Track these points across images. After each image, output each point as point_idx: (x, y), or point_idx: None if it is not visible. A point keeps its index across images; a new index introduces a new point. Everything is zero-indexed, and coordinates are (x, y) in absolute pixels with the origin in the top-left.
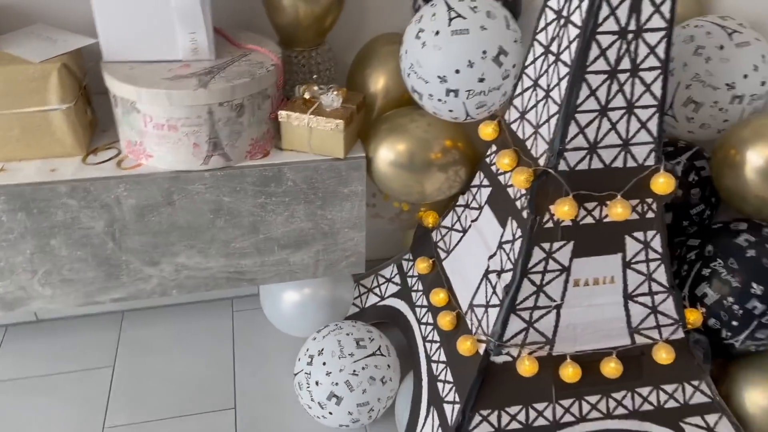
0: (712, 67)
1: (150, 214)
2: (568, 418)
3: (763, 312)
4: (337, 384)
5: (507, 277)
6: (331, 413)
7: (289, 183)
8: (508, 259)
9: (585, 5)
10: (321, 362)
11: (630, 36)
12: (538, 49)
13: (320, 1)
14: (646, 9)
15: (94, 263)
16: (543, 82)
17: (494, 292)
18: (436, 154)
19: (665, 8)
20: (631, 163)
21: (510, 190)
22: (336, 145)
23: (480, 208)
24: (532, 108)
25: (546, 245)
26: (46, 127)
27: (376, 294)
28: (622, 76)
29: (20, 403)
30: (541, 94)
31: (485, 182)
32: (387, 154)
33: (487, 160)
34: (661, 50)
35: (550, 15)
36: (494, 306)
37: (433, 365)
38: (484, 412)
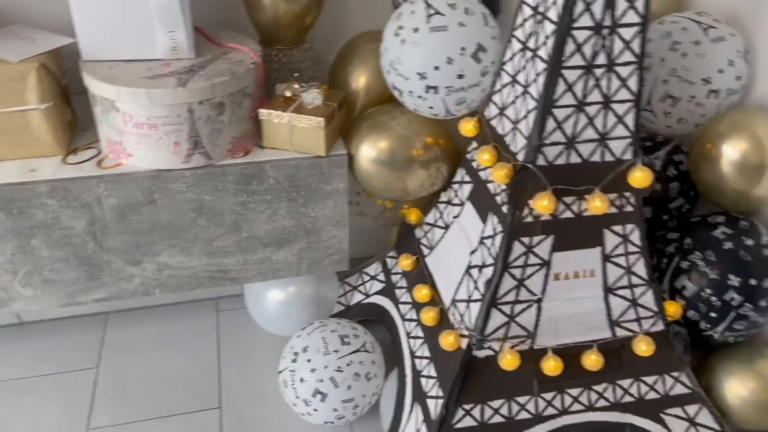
0: (688, 62)
1: (131, 213)
2: (550, 411)
3: (740, 303)
4: (321, 381)
5: (488, 272)
6: (316, 410)
7: (270, 181)
8: (489, 254)
9: (560, 1)
10: (305, 359)
11: (605, 31)
12: (516, 46)
13: None
14: (621, 5)
15: (75, 263)
16: (521, 78)
17: (476, 287)
18: (418, 151)
19: (639, 4)
20: (608, 158)
21: (490, 186)
22: (317, 143)
23: (462, 204)
24: (510, 104)
25: (526, 240)
26: (25, 127)
27: (360, 292)
28: (599, 71)
29: (4, 405)
30: (519, 89)
31: (467, 178)
32: (369, 151)
33: (468, 156)
34: (636, 45)
35: (527, 11)
36: (476, 301)
37: (417, 361)
38: (467, 407)
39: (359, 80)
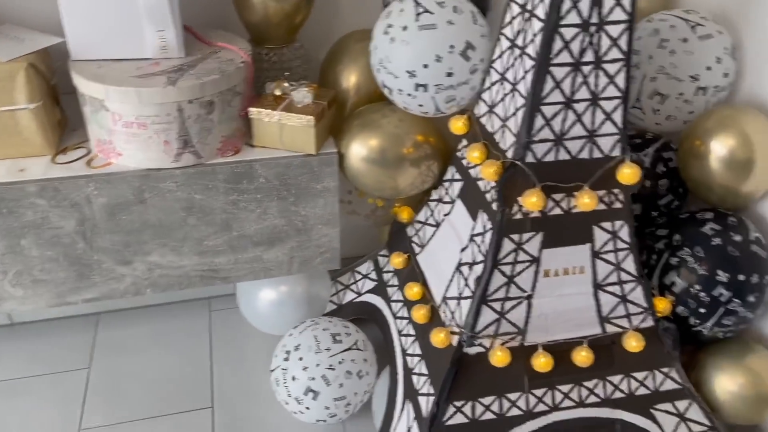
0: (676, 59)
1: (121, 212)
2: (541, 407)
3: (729, 299)
4: (313, 379)
5: (478, 269)
6: (308, 408)
7: (261, 180)
8: (479, 251)
9: None
10: (297, 357)
11: (592, 29)
12: (505, 43)
13: None
14: (608, 2)
15: (65, 263)
16: (510, 75)
17: (466, 284)
18: (408, 149)
19: (626, 1)
20: (597, 154)
21: (480, 183)
22: (307, 141)
23: (452, 201)
24: (500, 101)
25: (515, 237)
26: (13, 127)
27: (353, 290)
28: (586, 69)
29: None
30: (508, 87)
31: (457, 176)
32: (359, 149)
33: (458, 154)
34: (623, 42)
35: (515, 9)
36: (466, 298)
37: (409, 358)
38: (458, 403)
39: (350, 79)
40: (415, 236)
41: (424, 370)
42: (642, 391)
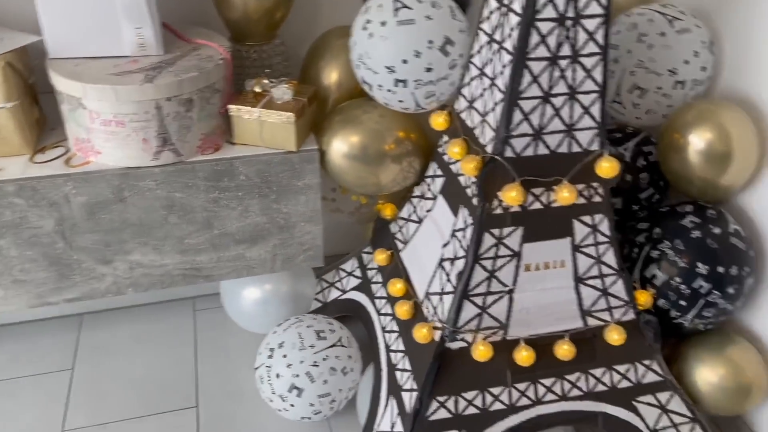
0: (655, 53)
1: (100, 211)
2: (524, 401)
3: (708, 291)
4: (297, 376)
5: (460, 264)
6: (292, 405)
7: (241, 177)
8: (461, 246)
9: None
10: (281, 354)
11: (569, 23)
12: (483, 38)
13: None
14: None
15: (45, 263)
16: (488, 70)
17: (448, 280)
18: (390, 145)
19: None
20: (575, 148)
21: (461, 179)
22: (288, 138)
23: (434, 198)
24: (479, 96)
25: (496, 231)
26: None
27: (337, 288)
28: (563, 63)
29: None
30: (487, 82)
31: (438, 172)
32: (340, 146)
33: (440, 150)
34: (599, 36)
35: (493, 3)
36: (448, 293)
37: (392, 355)
38: (441, 398)
39: (331, 75)
40: (398, 233)
41: (408, 366)
42: (624, 383)
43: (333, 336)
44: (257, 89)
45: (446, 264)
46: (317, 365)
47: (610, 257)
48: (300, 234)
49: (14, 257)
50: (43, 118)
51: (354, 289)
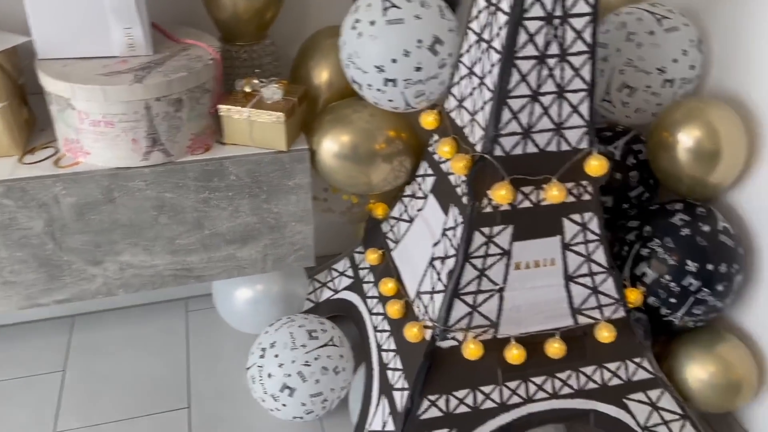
0: (643, 52)
1: (90, 212)
2: (515, 399)
3: (698, 288)
4: (289, 375)
5: (450, 263)
6: (284, 405)
7: (232, 177)
8: (451, 245)
9: None
10: (273, 354)
11: (556, 21)
12: (472, 37)
13: None
14: None
15: (34, 264)
16: (477, 69)
17: (439, 279)
18: (380, 144)
19: None
20: (564, 147)
21: (451, 178)
22: (278, 138)
23: (425, 197)
24: (468, 95)
25: (486, 230)
26: None
27: (330, 288)
28: (552, 61)
29: None
30: (476, 81)
31: (429, 171)
32: (331, 145)
33: (430, 149)
34: (587, 35)
35: (482, 3)
36: (439, 292)
37: (384, 354)
38: (432, 397)
39: (321, 75)
40: (389, 232)
41: (399, 365)
42: (615, 381)
43: (325, 336)
44: (247, 89)
45: (437, 263)
46: (309, 365)
47: (600, 255)
48: (291, 234)
49: (4, 258)
50: (32, 119)
51: (346, 288)
